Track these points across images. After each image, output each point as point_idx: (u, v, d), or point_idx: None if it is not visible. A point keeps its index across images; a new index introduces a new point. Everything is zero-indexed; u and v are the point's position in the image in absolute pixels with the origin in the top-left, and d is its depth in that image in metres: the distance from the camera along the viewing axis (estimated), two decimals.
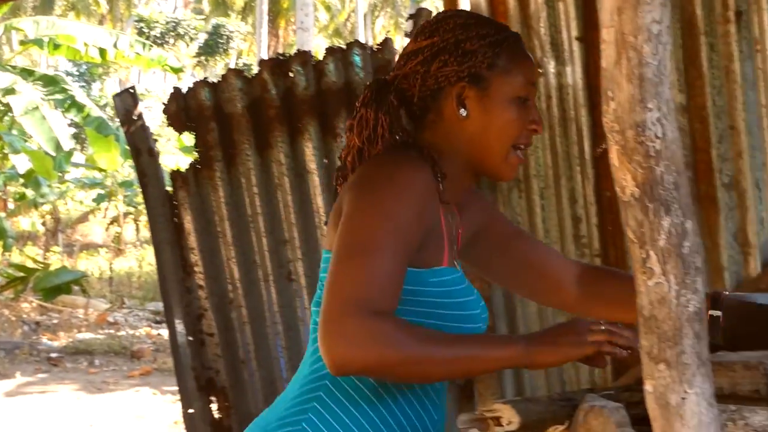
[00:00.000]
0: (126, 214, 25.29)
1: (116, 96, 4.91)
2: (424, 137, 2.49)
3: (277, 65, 4.87)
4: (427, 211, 2.33)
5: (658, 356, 1.86)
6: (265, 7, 36.74)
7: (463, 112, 2.46)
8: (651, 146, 1.84)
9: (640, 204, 1.86)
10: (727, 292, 2.94)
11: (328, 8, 42.26)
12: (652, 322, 1.87)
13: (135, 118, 4.85)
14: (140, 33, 39.59)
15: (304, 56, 4.89)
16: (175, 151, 22.20)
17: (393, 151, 2.45)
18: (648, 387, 1.88)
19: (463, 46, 2.47)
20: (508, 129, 2.47)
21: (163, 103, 4.87)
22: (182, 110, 4.85)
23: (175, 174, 4.92)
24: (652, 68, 1.85)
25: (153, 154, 4.89)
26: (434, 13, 5.05)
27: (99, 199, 25.41)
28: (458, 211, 2.56)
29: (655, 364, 1.86)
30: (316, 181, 4.89)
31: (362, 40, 4.79)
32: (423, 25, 2.55)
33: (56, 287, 17.38)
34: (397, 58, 2.56)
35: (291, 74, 4.85)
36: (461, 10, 2.74)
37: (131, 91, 4.92)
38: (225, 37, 41.44)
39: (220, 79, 4.89)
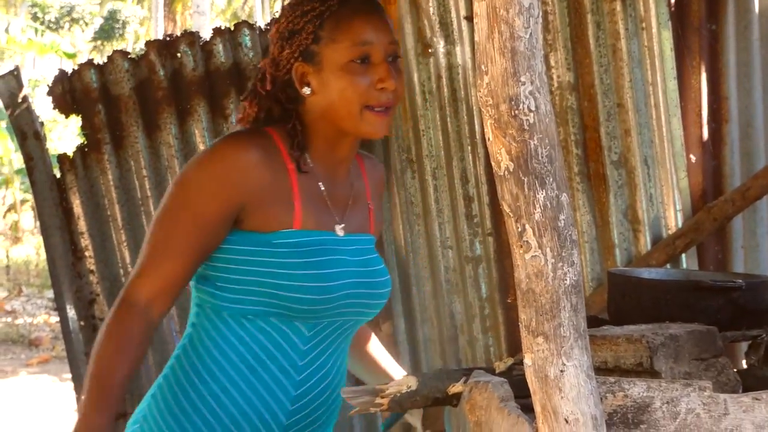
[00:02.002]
0: (23, 201, 25.01)
1: (0, 79, 4.82)
2: (302, 115, 2.60)
3: (164, 46, 4.81)
4: (250, 184, 2.47)
5: (536, 329, 1.86)
6: None
7: (306, 90, 2.56)
8: (524, 120, 1.83)
9: (514, 177, 1.85)
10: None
11: None
12: (529, 295, 1.86)
13: (20, 101, 4.77)
14: (34, 18, 39.09)
15: (191, 37, 4.84)
16: (73, 137, 22.04)
17: (231, 133, 2.71)
18: (527, 360, 1.88)
19: (289, 28, 2.56)
20: (348, 94, 2.52)
21: (48, 86, 4.79)
22: (68, 92, 4.78)
23: (63, 157, 4.84)
24: (524, 42, 1.84)
25: (39, 138, 4.81)
26: None
27: None
28: (353, 179, 2.68)
29: (534, 337, 1.86)
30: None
31: (260, 23, 4.74)
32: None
33: None
34: None
35: (179, 55, 4.80)
36: None
37: (15, 73, 4.83)
38: (121, 21, 41.05)
39: (105, 61, 4.82)
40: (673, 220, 4.61)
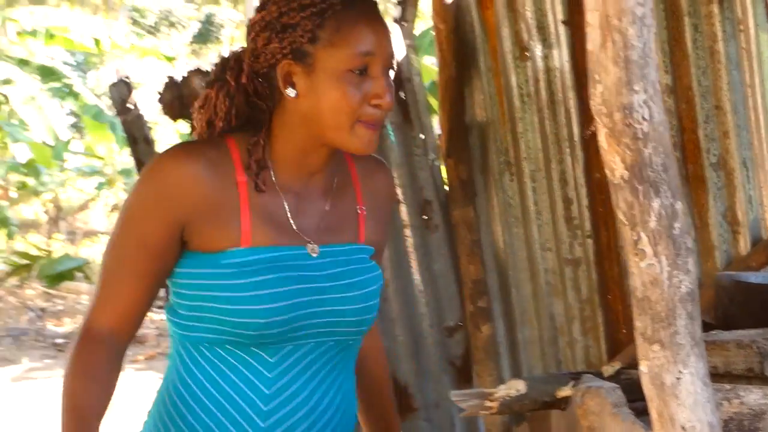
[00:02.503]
0: None
1: (112, 86, 4.88)
2: (275, 117, 2.32)
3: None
4: (187, 200, 2.23)
5: (652, 337, 1.85)
6: None
7: (290, 92, 2.27)
8: (639, 128, 1.83)
9: (629, 186, 1.85)
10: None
11: None
12: (645, 303, 1.86)
13: (130, 107, 4.83)
14: (134, 22, 39.50)
15: None
16: (175, 138, 22.27)
17: (172, 146, 2.41)
18: (643, 368, 1.87)
19: (283, 20, 2.26)
20: (341, 106, 2.25)
21: (158, 93, 4.84)
22: (177, 98, 4.83)
23: None
24: (637, 50, 1.83)
25: (149, 142, 4.86)
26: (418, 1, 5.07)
27: (99, 187, 25.44)
28: (336, 190, 2.37)
29: (650, 344, 1.85)
30: None
31: None
32: None
33: (60, 274, 17.43)
34: None
35: None
36: None
37: (126, 80, 4.89)
38: (217, 25, 41.35)
39: (213, 66, 4.86)
40: (746, 222, 4.57)
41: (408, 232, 4.89)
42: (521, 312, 4.92)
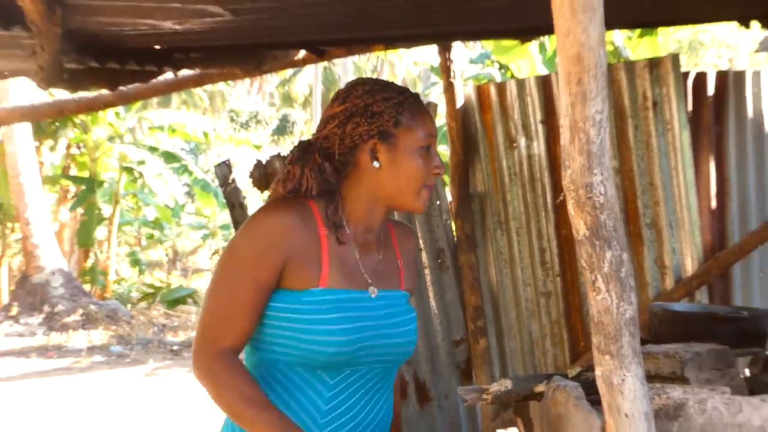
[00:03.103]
0: (223, 248, 25.38)
1: (217, 166, 4.90)
2: (347, 185, 2.20)
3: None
4: (287, 246, 2.08)
5: (604, 350, 1.85)
6: (319, 101, 36.95)
7: (376, 164, 2.16)
8: (597, 200, 1.84)
9: (590, 242, 1.85)
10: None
11: None
12: (599, 325, 1.86)
13: (230, 181, 4.85)
14: (231, 120, 39.85)
15: None
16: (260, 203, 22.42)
17: (269, 202, 2.23)
18: (597, 372, 1.87)
19: (371, 109, 2.18)
20: (415, 174, 2.19)
21: (249, 171, 4.87)
22: (262, 176, 4.85)
23: None
24: (596, 145, 1.85)
25: (243, 207, 4.88)
26: (437, 106, 5.09)
27: (205, 237, 25.54)
28: (383, 243, 2.28)
29: (602, 355, 1.85)
30: None
31: None
32: (336, 93, 2.24)
33: (176, 299, 17.54)
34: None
35: None
36: (367, 78, 2.28)
37: (227, 163, 4.92)
38: (291, 122, 41.63)
39: (289, 153, 4.89)
40: (690, 266, 4.54)
41: (427, 271, 4.88)
42: (508, 330, 4.90)
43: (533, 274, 4.82)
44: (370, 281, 2.20)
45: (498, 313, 4.90)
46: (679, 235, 4.55)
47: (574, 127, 1.85)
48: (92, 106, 5.29)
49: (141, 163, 18.00)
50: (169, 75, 4.54)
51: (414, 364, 4.89)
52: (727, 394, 1.94)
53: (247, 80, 49.02)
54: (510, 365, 4.91)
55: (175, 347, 14.05)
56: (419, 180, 2.19)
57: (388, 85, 2.24)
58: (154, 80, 4.80)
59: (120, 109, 17.63)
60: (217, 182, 5.17)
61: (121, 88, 4.84)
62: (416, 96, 2.26)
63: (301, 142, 2.29)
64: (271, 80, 48.61)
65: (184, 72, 4.90)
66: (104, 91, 5.04)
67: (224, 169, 4.87)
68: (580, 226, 1.85)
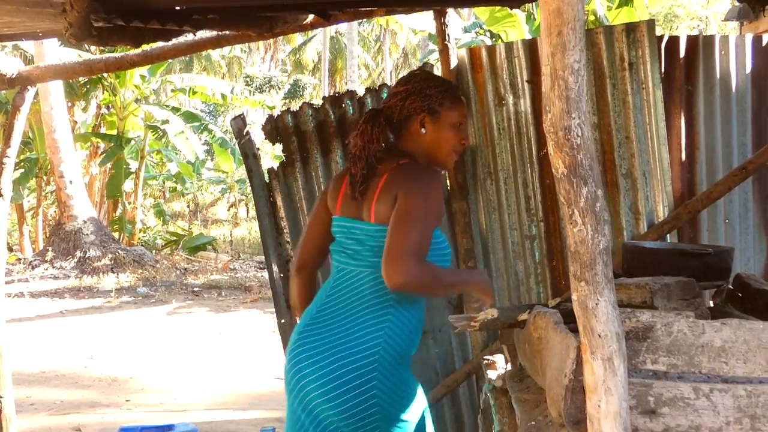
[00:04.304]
0: (240, 200, 25.41)
1: (232, 120, 4.89)
2: (401, 144, 2.82)
3: (335, 100, 4.86)
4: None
5: (580, 277, 1.85)
6: (327, 67, 36.76)
7: (423, 130, 2.79)
8: (574, 141, 1.83)
9: (567, 179, 1.85)
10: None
11: (367, 67, 42.19)
12: (576, 255, 1.86)
13: (244, 134, 4.84)
14: (247, 84, 39.69)
15: (351, 93, 4.87)
16: (270, 160, 22.45)
17: (414, 163, 2.76)
18: (574, 297, 1.87)
19: (425, 92, 2.79)
20: (449, 141, 2.80)
21: (262, 125, 4.86)
22: (274, 129, 4.84)
23: (271, 170, 4.91)
24: (574, 91, 1.84)
25: (257, 157, 4.88)
26: (433, 67, 5.06)
27: (223, 191, 25.56)
28: None
29: (578, 282, 1.86)
30: None
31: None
32: (401, 78, 2.90)
33: (197, 246, 17.59)
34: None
35: (343, 105, 4.83)
36: (423, 71, 2.92)
37: (242, 117, 4.90)
38: (301, 86, 41.44)
39: (298, 109, 4.88)
40: (662, 212, 4.53)
41: None
42: (496, 270, 4.90)
43: (519, 219, 4.81)
44: None
45: (487, 254, 4.90)
46: (652, 184, 4.54)
47: (554, 75, 1.84)
48: (119, 66, 5.24)
49: (165, 122, 17.96)
50: (188, 36, 4.51)
51: None
52: (691, 317, 1.95)
53: (262, 48, 48.73)
54: (498, 302, 4.91)
55: (195, 289, 14.12)
56: (450, 146, 2.80)
57: (437, 77, 2.87)
58: (175, 41, 4.77)
59: (145, 72, 17.55)
60: (234, 140, 5.17)
61: (145, 48, 4.82)
62: (456, 87, 2.92)
63: (371, 110, 2.91)
64: (284, 48, 48.34)
65: (203, 34, 4.87)
66: (130, 52, 5.00)
67: (239, 123, 4.86)
68: (559, 165, 1.85)
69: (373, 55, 43.65)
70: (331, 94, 5.02)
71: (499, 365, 3.11)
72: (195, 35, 4.53)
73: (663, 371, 1.92)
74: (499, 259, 4.90)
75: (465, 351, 4.92)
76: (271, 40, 43.45)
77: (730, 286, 2.67)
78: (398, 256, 2.50)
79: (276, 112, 4.97)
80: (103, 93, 18.25)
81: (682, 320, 1.94)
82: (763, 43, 4.63)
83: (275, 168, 4.91)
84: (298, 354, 2.74)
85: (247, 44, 41.85)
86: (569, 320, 2.06)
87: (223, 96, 18.38)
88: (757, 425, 1.85)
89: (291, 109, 4.91)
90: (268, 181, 4.92)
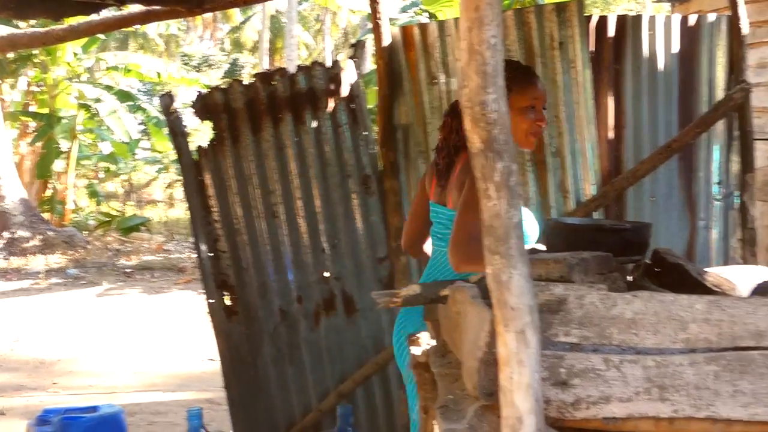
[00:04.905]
0: (176, 181, 25.12)
1: (160, 97, 4.85)
2: None
3: (265, 77, 4.83)
4: None
5: (495, 250, 1.87)
6: (267, 46, 36.47)
7: None
8: (490, 116, 1.84)
9: (483, 154, 1.86)
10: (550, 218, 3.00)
11: (307, 47, 41.92)
12: (491, 228, 1.88)
13: (172, 111, 4.79)
14: (185, 63, 39.17)
15: (282, 71, 4.85)
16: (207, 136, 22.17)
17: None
18: (488, 270, 1.89)
19: None
20: (522, 125, 2.93)
21: (191, 102, 4.82)
22: (203, 106, 4.80)
23: (200, 148, 4.87)
24: (491, 66, 1.84)
25: (185, 135, 4.84)
26: (364, 44, 5.06)
27: (159, 171, 25.26)
28: None
29: (492, 255, 1.87)
30: (290, 152, 4.86)
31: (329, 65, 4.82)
32: None
33: (130, 227, 17.41)
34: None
35: (274, 83, 4.81)
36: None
37: (170, 93, 4.86)
38: (240, 66, 41.02)
39: (228, 86, 4.84)
40: (589, 190, 4.61)
41: (354, 196, 4.90)
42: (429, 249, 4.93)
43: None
44: None
45: None
46: (579, 162, 4.61)
47: (471, 49, 1.85)
48: (44, 40, 5.15)
49: (97, 101, 17.66)
50: (114, 11, 4.44)
51: (342, 280, 4.92)
52: (603, 290, 1.99)
53: (200, 27, 48.12)
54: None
55: (127, 270, 13.96)
56: (525, 128, 2.93)
57: (509, 63, 2.89)
58: (103, 16, 4.70)
59: (78, 49, 17.23)
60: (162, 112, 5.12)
61: (72, 23, 4.74)
62: (528, 70, 3.02)
63: (453, 102, 3.06)
64: (222, 27, 47.78)
65: (132, 9, 4.80)
66: (56, 26, 4.91)
67: (167, 100, 4.81)
68: (475, 140, 1.86)
69: (313, 35, 43.38)
70: (265, 70, 4.99)
71: (423, 341, 3.14)
72: (121, 9, 4.46)
73: (575, 343, 1.95)
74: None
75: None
76: (210, 18, 42.96)
77: (648, 261, 2.72)
78: (458, 242, 2.73)
79: (204, 90, 4.92)
80: (33, 70, 17.88)
81: (594, 293, 1.97)
82: (690, 23, 4.71)
83: (204, 146, 4.87)
84: (402, 327, 3.16)
85: (185, 22, 41.24)
86: (489, 295, 2.08)
87: (158, 75, 18.12)
88: (665, 395, 1.89)
89: (221, 86, 4.87)
90: (197, 159, 4.88)
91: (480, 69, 1.86)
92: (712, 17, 4.71)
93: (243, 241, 4.89)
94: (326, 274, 4.93)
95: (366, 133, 4.89)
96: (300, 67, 4.85)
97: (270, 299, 4.92)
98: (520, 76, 2.94)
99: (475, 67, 1.87)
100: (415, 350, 3.14)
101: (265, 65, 35.88)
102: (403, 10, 14.51)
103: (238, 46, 43.68)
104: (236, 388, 4.96)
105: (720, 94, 4.70)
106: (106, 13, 4.59)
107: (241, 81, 4.84)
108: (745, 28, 4.64)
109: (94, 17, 4.63)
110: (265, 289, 4.91)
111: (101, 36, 18.03)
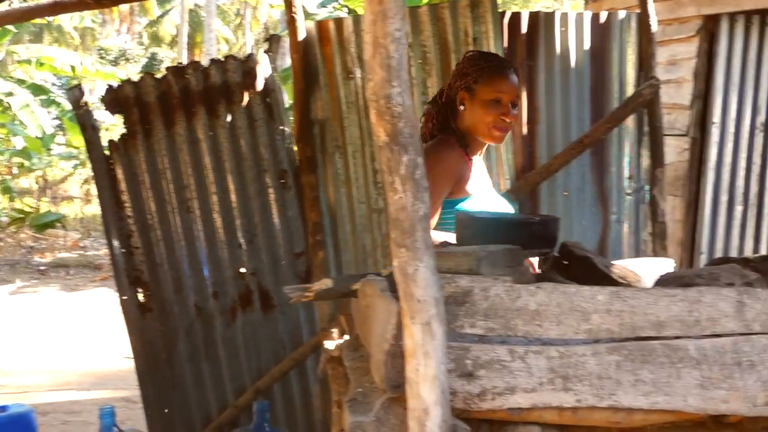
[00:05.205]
0: (93, 176, 24.64)
1: (68, 90, 4.75)
2: (455, 123, 3.02)
3: (178, 70, 4.76)
4: (456, 170, 2.93)
5: (401, 243, 1.88)
6: (186, 40, 35.99)
7: (461, 107, 3.00)
8: (395, 110, 1.85)
9: (389, 147, 1.87)
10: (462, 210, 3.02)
11: (227, 41, 41.50)
12: (396, 222, 1.89)
13: (82, 104, 4.69)
14: (101, 57, 38.39)
15: (195, 64, 4.79)
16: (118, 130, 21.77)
17: (438, 138, 3.03)
18: (395, 263, 1.90)
19: (464, 71, 3.00)
20: (485, 117, 2.94)
21: (101, 96, 4.73)
22: (114, 100, 4.71)
23: (111, 142, 4.78)
24: (395, 60, 1.85)
25: (95, 129, 4.74)
26: (282, 39, 5.03)
27: (75, 167, 24.72)
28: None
29: (399, 248, 1.88)
30: (204, 147, 4.80)
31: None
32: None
33: (45, 224, 17.03)
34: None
35: (187, 76, 4.74)
36: (475, 51, 3.16)
37: (79, 86, 4.75)
38: (159, 60, 40.39)
39: (139, 79, 4.76)
40: (503, 185, 4.64)
41: (271, 191, 4.87)
42: (344, 243, 4.93)
43: (367, 192, 4.85)
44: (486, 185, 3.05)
45: (335, 228, 4.92)
46: (494, 158, 4.65)
47: (375, 43, 1.85)
48: None
49: (9, 94, 17.21)
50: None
51: (258, 275, 4.89)
52: (508, 282, 2.01)
53: (117, 20, 47.25)
54: (345, 269, 4.95)
55: (42, 268, 13.65)
56: (488, 121, 2.94)
57: (485, 56, 3.05)
58: (8, 7, 4.57)
59: None
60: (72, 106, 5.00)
61: None
62: (500, 64, 3.01)
63: (438, 92, 3.15)
64: (140, 21, 46.99)
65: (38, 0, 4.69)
66: None
67: (76, 93, 4.71)
68: (380, 133, 1.87)
69: (233, 30, 42.96)
70: (178, 63, 4.92)
71: (337, 336, 3.14)
72: (26, 1, 4.35)
73: (481, 335, 1.97)
74: (347, 232, 4.92)
75: (313, 325, 4.94)
76: (127, 11, 42.18)
77: (557, 254, 2.76)
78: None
79: (115, 83, 4.83)
80: None
81: (499, 285, 2.00)
82: (601, 20, 4.80)
83: (116, 140, 4.78)
84: None
85: (101, 15, 40.42)
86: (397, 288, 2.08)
87: (73, 68, 17.74)
88: (568, 385, 1.93)
89: (131, 79, 4.79)
90: (108, 153, 4.78)
91: (384, 62, 1.87)
92: (622, 14, 4.80)
93: (157, 237, 4.82)
94: (243, 270, 4.89)
95: (282, 127, 4.85)
96: (213, 61, 4.79)
97: (185, 295, 4.86)
98: (488, 68, 2.97)
99: (379, 60, 1.87)
100: (329, 345, 3.14)
101: (184, 60, 35.41)
102: (323, 5, 14.47)
103: (156, 40, 43.01)
104: (151, 385, 4.89)
105: (630, 90, 4.79)
106: (15, 5, 4.46)
107: (153, 75, 4.77)
108: (654, 25, 4.74)
109: None
110: (180, 285, 4.84)
111: (12, 28, 17.55)
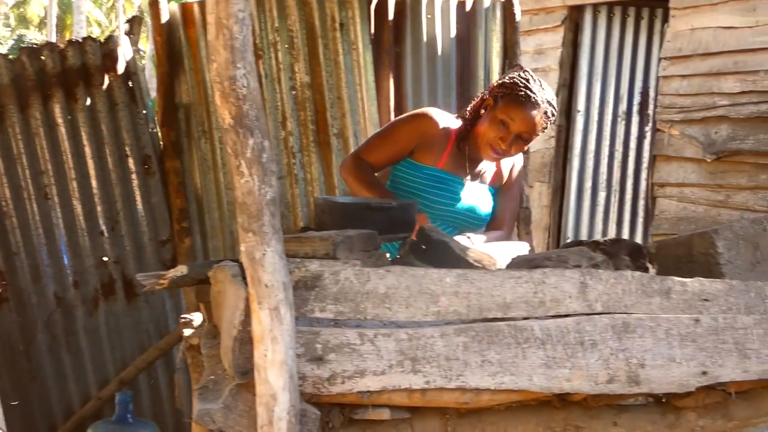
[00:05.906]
0: None
1: None
2: (476, 118, 3.14)
3: (32, 51, 4.60)
4: (426, 135, 3.10)
5: (248, 228, 1.86)
6: (55, 22, 34.86)
7: (482, 111, 3.12)
8: (240, 92, 1.83)
9: (234, 130, 1.85)
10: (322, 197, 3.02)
11: (99, 24, 40.37)
12: (243, 206, 1.87)
13: None
14: None
15: (51, 46, 4.65)
16: None
17: (449, 114, 3.25)
18: (242, 248, 1.88)
19: (503, 83, 3.08)
20: (489, 131, 3.04)
21: None
22: None
23: None
24: (239, 41, 1.83)
25: None
26: (143, 20, 4.92)
27: None
28: (475, 161, 3.16)
29: (246, 233, 1.87)
30: (62, 131, 4.66)
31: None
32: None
33: None
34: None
35: (42, 58, 4.58)
36: (525, 71, 3.14)
37: None
38: (26, 43, 38.97)
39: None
40: None
41: (134, 176, 4.77)
42: (212, 230, 4.86)
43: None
44: (469, 176, 3.16)
45: (202, 214, 4.85)
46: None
47: (219, 23, 1.82)
48: None
49: None
50: None
51: (121, 263, 4.78)
52: (357, 266, 2.02)
53: None
54: (212, 256, 4.88)
55: None
56: (487, 138, 3.04)
57: (525, 82, 3.04)
58: None
59: None
60: None
61: None
62: (527, 97, 3.02)
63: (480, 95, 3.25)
64: (6, 2, 45.21)
65: None
66: None
67: None
68: (225, 116, 1.84)
69: (105, 12, 41.80)
70: (31, 45, 4.75)
71: (196, 323, 3.09)
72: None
73: (331, 318, 1.97)
74: (215, 218, 4.86)
75: (179, 312, 4.86)
76: None
77: (414, 239, 2.78)
78: (354, 155, 3.20)
79: None
80: None
81: (349, 269, 2.00)
82: (467, 9, 4.86)
83: None
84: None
85: None
86: None
87: None
88: (417, 367, 1.95)
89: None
90: None
91: (228, 43, 1.84)
92: (487, 3, 4.87)
93: (12, 225, 4.65)
94: (105, 258, 4.77)
95: (145, 111, 4.75)
96: (71, 42, 4.66)
97: (44, 285, 4.71)
98: (515, 94, 3.02)
99: (223, 41, 1.84)
100: (187, 332, 3.09)
101: (54, 40, 34.29)
102: None
103: (23, 21, 41.47)
104: (8, 378, 4.72)
105: (496, 77, 4.87)
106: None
107: (6, 56, 4.59)
108: (517, 14, 4.83)
109: None
110: (39, 274, 4.69)
111: None
